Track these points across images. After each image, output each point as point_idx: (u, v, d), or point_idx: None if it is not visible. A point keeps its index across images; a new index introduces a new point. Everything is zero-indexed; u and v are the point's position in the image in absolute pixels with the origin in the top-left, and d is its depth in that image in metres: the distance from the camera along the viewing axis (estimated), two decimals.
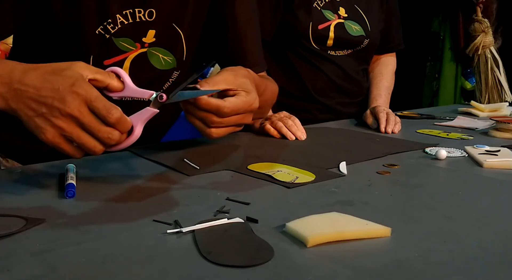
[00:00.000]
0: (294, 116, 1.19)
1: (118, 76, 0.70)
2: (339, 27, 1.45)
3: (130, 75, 0.93)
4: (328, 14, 1.44)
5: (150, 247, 0.53)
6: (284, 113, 1.21)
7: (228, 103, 0.72)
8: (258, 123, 1.21)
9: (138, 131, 0.68)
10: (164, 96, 0.70)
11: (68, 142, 0.63)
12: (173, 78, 1.00)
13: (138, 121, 0.68)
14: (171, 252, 0.52)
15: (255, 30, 1.08)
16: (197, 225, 0.58)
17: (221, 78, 0.75)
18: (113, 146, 0.66)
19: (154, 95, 0.70)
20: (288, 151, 1.03)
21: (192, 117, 0.75)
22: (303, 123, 1.18)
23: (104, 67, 0.90)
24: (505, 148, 1.00)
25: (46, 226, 0.58)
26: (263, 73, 1.10)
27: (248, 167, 0.85)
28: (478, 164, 0.92)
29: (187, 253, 0.52)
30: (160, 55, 0.96)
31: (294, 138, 1.12)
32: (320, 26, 1.43)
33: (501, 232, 0.59)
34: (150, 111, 0.69)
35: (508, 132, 1.20)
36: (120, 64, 0.93)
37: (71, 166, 0.78)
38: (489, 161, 0.91)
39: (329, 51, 1.47)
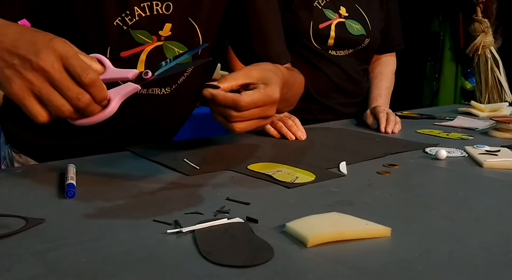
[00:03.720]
0: (294, 116, 1.19)
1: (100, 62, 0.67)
2: (340, 26, 1.45)
3: (146, 68, 0.93)
4: (329, 13, 1.44)
5: (150, 247, 0.53)
6: (284, 113, 1.21)
7: (245, 96, 0.71)
8: None
9: (114, 106, 0.63)
10: (150, 72, 0.67)
11: (36, 99, 0.59)
12: (187, 73, 1.00)
13: (117, 95, 0.64)
14: (171, 252, 0.52)
15: (276, 22, 1.07)
16: (197, 225, 0.58)
17: (242, 73, 0.75)
18: (85, 118, 0.62)
19: (138, 72, 0.67)
20: (288, 151, 1.03)
21: (215, 114, 0.74)
22: (303, 123, 1.18)
23: (121, 60, 0.91)
24: (505, 148, 1.00)
25: (46, 226, 0.58)
26: (288, 65, 1.09)
27: (248, 167, 0.85)
28: (478, 164, 0.92)
29: (187, 253, 0.52)
30: (176, 49, 0.96)
31: (294, 138, 1.12)
32: (321, 25, 1.43)
33: (501, 232, 0.59)
34: (131, 87, 0.65)
35: (508, 132, 1.20)
36: (137, 56, 0.93)
37: (71, 166, 0.78)
38: (489, 161, 0.91)
39: (329, 51, 1.47)
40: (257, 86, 0.74)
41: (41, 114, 0.60)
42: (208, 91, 0.71)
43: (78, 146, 1.01)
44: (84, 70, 0.59)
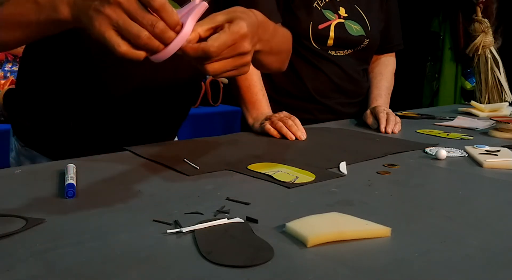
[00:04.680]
0: (294, 116, 1.19)
1: None
2: (339, 27, 1.45)
3: None
4: (328, 14, 1.44)
5: (150, 247, 0.53)
6: (284, 113, 1.21)
7: (212, 41, 0.69)
8: (258, 124, 1.21)
9: (188, 27, 0.64)
10: None
11: (115, 31, 0.63)
12: None
13: (187, 17, 0.64)
14: (171, 252, 0.52)
15: None
16: (197, 225, 0.58)
17: (206, 19, 0.72)
18: (163, 49, 0.64)
19: None
20: (288, 151, 1.03)
21: (191, 64, 0.73)
22: (303, 123, 1.18)
23: None
24: (505, 148, 1.00)
25: (46, 226, 0.58)
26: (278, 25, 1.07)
27: (248, 167, 0.85)
28: (478, 164, 0.92)
29: (187, 253, 0.52)
30: None
31: (294, 138, 1.12)
32: (321, 26, 1.43)
33: (501, 232, 0.59)
34: (198, 5, 0.64)
35: (508, 132, 1.20)
36: None
37: (71, 165, 0.78)
38: (489, 161, 0.91)
39: (329, 51, 1.47)
40: (221, 27, 0.72)
41: (120, 44, 0.63)
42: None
43: (80, 131, 1.01)
44: None
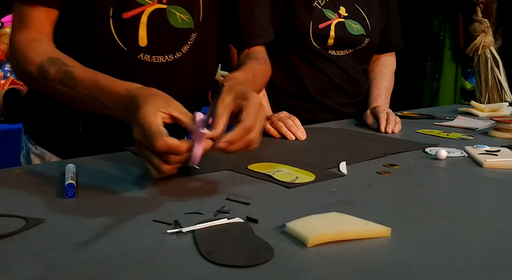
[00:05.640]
0: (294, 116, 1.19)
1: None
2: (340, 26, 1.45)
3: (149, 31, 0.95)
4: (328, 13, 1.44)
5: (150, 247, 0.53)
6: (284, 113, 1.21)
7: (247, 121, 0.73)
8: None
9: (195, 152, 0.70)
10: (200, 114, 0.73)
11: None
12: (191, 41, 1.00)
13: (194, 141, 0.70)
14: (171, 252, 0.52)
15: (263, 2, 1.11)
16: (197, 225, 0.58)
17: (222, 108, 0.74)
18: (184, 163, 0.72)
19: (198, 118, 0.73)
20: (288, 151, 1.03)
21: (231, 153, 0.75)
22: (303, 123, 1.18)
23: (124, 22, 0.93)
24: (505, 148, 1.00)
25: (46, 226, 0.58)
26: (261, 48, 1.11)
27: (248, 167, 0.85)
28: (478, 164, 0.92)
29: (187, 253, 0.52)
30: (178, 13, 0.97)
31: (294, 138, 1.12)
32: (321, 25, 1.43)
33: (501, 232, 0.59)
34: (202, 133, 0.71)
35: (508, 132, 1.20)
36: (138, 18, 0.93)
37: (71, 166, 0.78)
38: (489, 161, 0.91)
39: (329, 51, 1.47)
40: (241, 106, 0.75)
41: (153, 173, 0.72)
42: (218, 147, 0.71)
43: (90, 131, 1.02)
44: (151, 144, 0.67)
